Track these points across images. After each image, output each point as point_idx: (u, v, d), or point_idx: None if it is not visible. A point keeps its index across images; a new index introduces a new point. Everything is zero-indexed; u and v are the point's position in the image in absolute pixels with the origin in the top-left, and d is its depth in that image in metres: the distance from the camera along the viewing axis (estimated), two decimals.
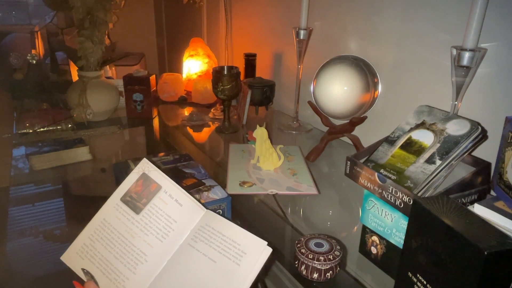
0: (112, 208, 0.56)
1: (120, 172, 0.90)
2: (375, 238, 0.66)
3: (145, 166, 0.57)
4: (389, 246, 0.64)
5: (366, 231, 0.68)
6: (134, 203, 0.56)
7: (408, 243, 0.51)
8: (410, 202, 0.58)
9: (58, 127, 1.29)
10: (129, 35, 2.37)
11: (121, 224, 0.55)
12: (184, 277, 0.50)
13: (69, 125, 1.30)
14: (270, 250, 0.49)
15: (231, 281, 0.48)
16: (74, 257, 0.55)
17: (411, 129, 0.67)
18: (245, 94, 1.33)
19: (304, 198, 0.89)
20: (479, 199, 0.62)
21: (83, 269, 0.53)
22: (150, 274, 0.51)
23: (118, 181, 0.92)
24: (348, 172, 0.71)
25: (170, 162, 0.93)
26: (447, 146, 0.61)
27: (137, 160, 0.93)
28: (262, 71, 1.58)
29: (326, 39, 1.26)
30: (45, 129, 1.27)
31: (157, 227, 0.54)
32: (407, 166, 0.63)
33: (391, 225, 0.62)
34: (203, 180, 0.83)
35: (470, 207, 0.55)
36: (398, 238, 0.61)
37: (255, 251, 0.49)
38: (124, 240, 0.54)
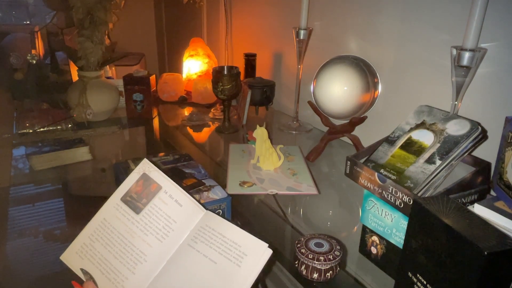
0: (112, 208, 0.56)
1: (120, 172, 0.89)
2: (375, 238, 0.66)
3: (146, 167, 0.57)
4: (389, 246, 0.64)
5: (366, 231, 0.68)
6: (134, 203, 0.56)
7: (408, 243, 0.51)
8: (410, 202, 0.58)
9: (58, 127, 1.29)
10: (129, 35, 2.37)
11: (121, 224, 0.55)
12: (184, 278, 0.50)
13: (69, 125, 1.30)
14: (270, 252, 0.49)
15: (231, 282, 0.48)
16: (73, 257, 0.54)
17: (411, 129, 0.67)
18: (245, 94, 1.33)
19: (304, 198, 0.89)
20: (479, 199, 0.62)
21: (82, 269, 0.53)
22: (150, 274, 0.51)
23: (118, 181, 0.92)
24: (348, 172, 0.71)
25: (170, 162, 0.93)
26: (447, 146, 0.61)
27: (137, 160, 0.93)
28: (262, 71, 1.58)
29: (326, 39, 1.26)
30: (45, 129, 1.27)
31: (156, 227, 0.54)
32: (407, 166, 0.63)
33: (391, 225, 0.62)
34: (203, 180, 0.83)
35: (470, 207, 0.55)
36: (398, 238, 0.61)
37: (256, 253, 0.49)
38: (123, 240, 0.54)
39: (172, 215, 0.55)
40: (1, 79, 1.77)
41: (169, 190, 0.56)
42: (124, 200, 0.56)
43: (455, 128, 0.63)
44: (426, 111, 0.68)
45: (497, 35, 0.79)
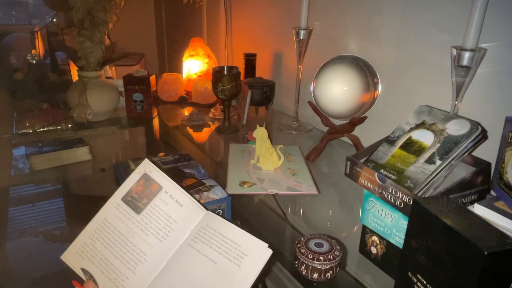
0: (113, 208, 0.56)
1: (120, 172, 0.89)
2: (375, 238, 0.66)
3: (147, 167, 0.57)
4: (389, 246, 0.64)
5: (366, 231, 0.68)
6: (135, 203, 0.56)
7: (408, 243, 0.51)
8: (410, 202, 0.58)
9: (58, 127, 1.29)
10: (129, 35, 2.37)
11: (121, 224, 0.55)
12: (184, 277, 0.50)
13: (69, 125, 1.30)
14: (270, 252, 0.49)
15: (231, 282, 0.48)
16: (74, 257, 0.55)
17: (411, 129, 0.67)
18: (245, 94, 1.33)
19: (304, 198, 0.89)
20: (479, 199, 0.62)
21: (82, 269, 0.53)
22: (150, 274, 0.51)
23: (118, 181, 0.92)
24: (348, 172, 0.71)
25: (170, 162, 0.93)
26: (447, 146, 0.61)
27: (137, 160, 0.93)
28: (262, 71, 1.58)
29: (326, 39, 1.26)
30: (45, 129, 1.27)
31: (157, 227, 0.54)
32: (407, 166, 0.63)
33: (391, 225, 0.62)
34: (203, 180, 0.83)
35: (470, 207, 0.55)
36: (398, 238, 0.61)
37: (256, 253, 0.49)
38: (124, 240, 0.54)
39: (172, 215, 0.55)
40: (1, 79, 1.77)
41: (170, 190, 0.56)
42: (125, 200, 0.56)
43: (455, 128, 0.63)
44: (426, 111, 0.68)
45: (497, 35, 0.79)
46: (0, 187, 0.95)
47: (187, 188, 0.78)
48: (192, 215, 0.55)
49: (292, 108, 1.35)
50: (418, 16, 0.95)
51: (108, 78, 1.50)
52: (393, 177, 0.63)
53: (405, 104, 1.03)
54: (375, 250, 0.66)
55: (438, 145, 0.62)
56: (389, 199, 0.61)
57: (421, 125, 0.67)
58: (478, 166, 0.66)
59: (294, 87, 1.32)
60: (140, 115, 1.42)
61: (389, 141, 0.69)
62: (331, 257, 0.60)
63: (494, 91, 0.82)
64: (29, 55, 1.73)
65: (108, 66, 1.55)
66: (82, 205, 0.91)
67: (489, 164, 0.65)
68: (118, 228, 0.54)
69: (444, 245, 0.44)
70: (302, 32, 1.19)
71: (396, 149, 0.67)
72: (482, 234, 0.42)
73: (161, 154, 0.98)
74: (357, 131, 1.13)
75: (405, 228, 0.52)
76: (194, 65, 1.71)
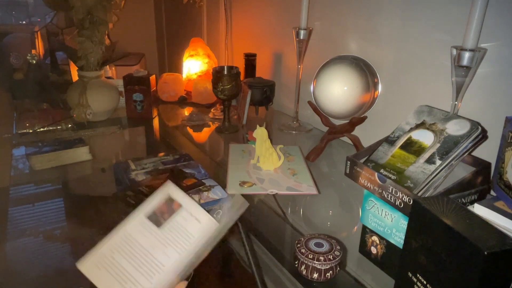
0: (138, 225, 0.57)
1: (120, 172, 0.90)
2: (375, 238, 0.66)
3: (171, 189, 0.60)
4: (389, 246, 0.64)
5: (366, 231, 0.68)
6: (157, 218, 0.58)
7: (408, 243, 0.51)
8: (410, 202, 0.58)
9: (58, 127, 1.29)
10: (129, 35, 2.37)
11: (143, 237, 0.57)
12: None
13: (69, 125, 1.30)
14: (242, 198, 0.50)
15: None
16: (91, 267, 0.55)
17: (411, 129, 0.67)
18: (245, 94, 1.33)
19: (304, 198, 0.89)
20: (479, 199, 0.62)
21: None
22: (164, 284, 0.53)
23: (118, 181, 0.92)
24: (348, 172, 0.71)
25: (170, 162, 0.93)
26: (447, 146, 0.61)
27: (137, 160, 0.93)
28: (262, 71, 1.58)
29: (326, 39, 1.26)
30: (45, 129, 1.27)
31: (176, 240, 0.56)
32: (407, 166, 0.63)
33: (391, 225, 0.62)
34: (203, 180, 0.83)
35: (470, 207, 0.55)
36: (398, 238, 0.61)
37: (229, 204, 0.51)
38: (144, 252, 0.55)
39: (190, 230, 0.57)
40: (1, 79, 1.77)
41: (190, 208, 0.58)
42: (148, 216, 0.58)
43: (455, 128, 0.63)
44: (426, 111, 0.68)
45: (497, 35, 0.79)
46: (0, 187, 0.95)
47: (187, 188, 0.78)
48: (207, 229, 0.57)
49: (292, 108, 1.35)
50: (418, 16, 0.95)
51: (108, 78, 1.50)
52: (393, 177, 0.63)
53: (405, 104, 1.03)
54: (375, 250, 0.66)
55: (438, 145, 0.62)
56: (389, 199, 0.61)
57: (421, 125, 0.67)
58: (478, 166, 0.66)
59: (294, 87, 1.32)
60: (140, 115, 1.42)
61: (389, 141, 0.69)
62: (331, 257, 0.60)
63: (494, 91, 0.82)
64: (29, 55, 1.73)
65: (108, 66, 1.55)
66: (82, 205, 0.91)
67: (489, 164, 0.65)
68: (140, 241, 0.56)
69: (444, 245, 0.44)
70: (302, 32, 1.19)
71: (396, 149, 0.67)
72: (482, 234, 0.42)
73: (161, 154, 0.98)
74: (357, 131, 1.13)
75: (405, 228, 0.52)
76: (194, 65, 1.71)
